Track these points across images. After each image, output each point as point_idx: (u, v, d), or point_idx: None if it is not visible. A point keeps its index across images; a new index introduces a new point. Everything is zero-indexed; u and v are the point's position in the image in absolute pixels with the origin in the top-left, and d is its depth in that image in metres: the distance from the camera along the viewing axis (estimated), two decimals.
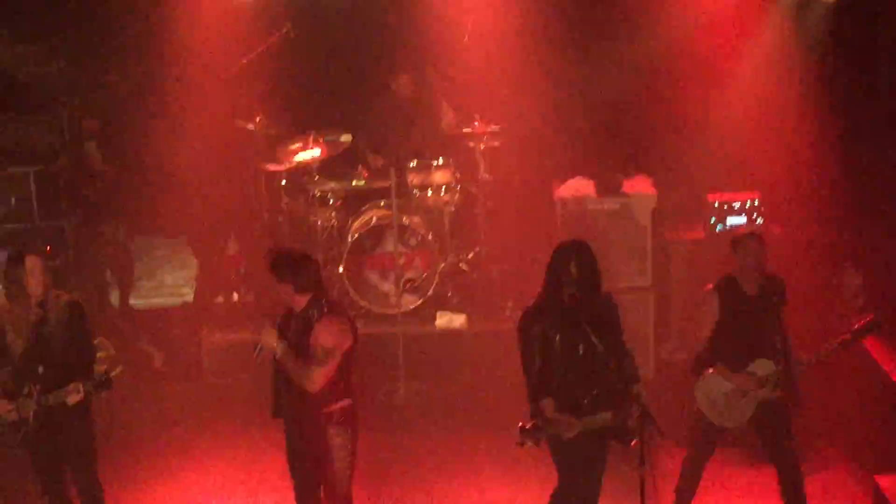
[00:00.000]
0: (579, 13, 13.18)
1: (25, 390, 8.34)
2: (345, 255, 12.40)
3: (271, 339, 7.99)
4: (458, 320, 12.42)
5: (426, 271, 12.48)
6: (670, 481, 8.95)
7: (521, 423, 7.80)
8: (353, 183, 12.84)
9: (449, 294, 12.69)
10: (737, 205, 11.98)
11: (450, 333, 12.34)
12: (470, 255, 13.05)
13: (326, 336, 7.95)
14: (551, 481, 8.27)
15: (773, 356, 8.65)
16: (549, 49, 13.05)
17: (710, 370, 8.68)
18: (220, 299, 13.15)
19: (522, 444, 7.80)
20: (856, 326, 8.74)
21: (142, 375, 11.88)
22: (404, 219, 12.38)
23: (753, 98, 12.66)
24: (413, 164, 12.69)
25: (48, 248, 11.97)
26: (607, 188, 12.09)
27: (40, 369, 8.33)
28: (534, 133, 13.20)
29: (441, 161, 12.67)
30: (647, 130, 13.03)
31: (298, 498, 8.39)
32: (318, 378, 7.93)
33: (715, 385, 8.68)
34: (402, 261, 12.31)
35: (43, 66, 13.15)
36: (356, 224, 12.60)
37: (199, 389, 12.00)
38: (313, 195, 12.73)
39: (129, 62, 13.42)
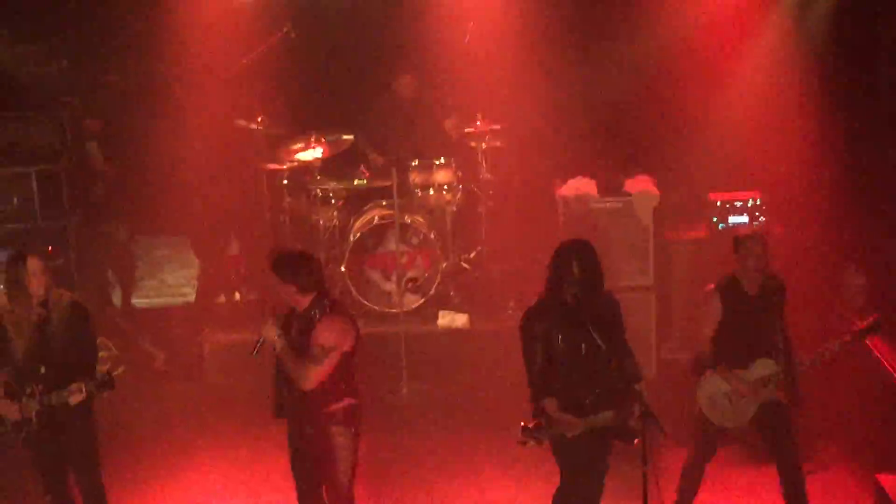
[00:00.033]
0: (580, 13, 13.19)
1: (28, 390, 8.34)
2: (347, 255, 12.40)
3: (272, 333, 7.99)
4: (460, 320, 12.42)
5: (428, 271, 12.48)
6: (672, 480, 8.95)
7: (523, 423, 7.81)
8: (355, 182, 12.84)
9: (451, 293, 12.70)
10: (738, 204, 11.99)
11: (452, 333, 12.35)
12: (472, 255, 13.06)
13: (327, 335, 7.95)
14: (553, 481, 8.27)
15: (775, 356, 8.65)
16: (551, 49, 13.06)
17: (711, 371, 8.67)
18: (221, 299, 13.15)
19: (525, 444, 7.81)
20: (858, 327, 8.74)
21: (143, 375, 11.89)
22: (406, 218, 12.38)
23: (755, 97, 12.67)
24: (415, 163, 12.70)
25: (50, 248, 11.98)
26: (609, 187, 12.09)
27: (42, 369, 8.33)
28: (535, 132, 13.21)
29: (443, 160, 12.68)
30: (648, 129, 13.04)
31: (300, 498, 8.39)
32: (312, 376, 7.93)
33: (716, 385, 8.68)
34: (404, 260, 12.32)
35: (44, 66, 13.15)
36: (358, 223, 12.61)
37: (200, 389, 12.00)
38: (315, 194, 12.74)
39: (130, 62, 13.43)
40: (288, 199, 12.93)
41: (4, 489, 9.86)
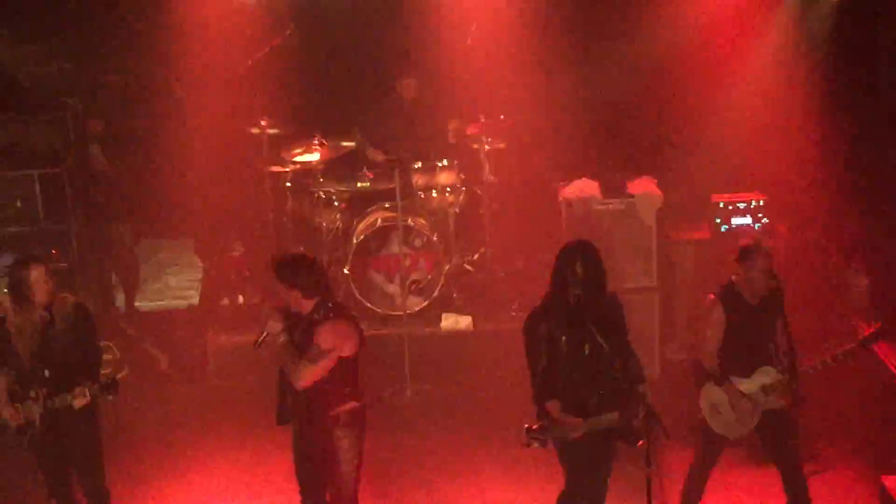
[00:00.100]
0: (582, 15, 13.19)
1: (32, 394, 8.35)
2: (350, 257, 12.40)
3: (276, 327, 8.00)
4: (463, 321, 12.42)
5: (431, 273, 12.48)
6: (676, 480, 8.94)
7: (527, 425, 7.81)
8: (358, 185, 12.85)
9: (454, 295, 12.70)
10: (741, 205, 11.97)
11: (455, 335, 12.35)
12: (475, 257, 13.06)
13: (326, 337, 7.96)
14: (555, 482, 8.27)
15: (776, 362, 8.64)
16: (553, 50, 13.06)
17: (717, 384, 8.64)
18: (225, 301, 13.16)
19: (528, 446, 7.81)
20: (861, 335, 8.72)
21: (147, 378, 11.88)
22: (409, 220, 12.38)
23: (757, 98, 12.67)
24: (418, 165, 12.71)
25: (53, 250, 11.98)
26: (612, 189, 12.08)
27: (46, 373, 8.34)
28: (538, 134, 13.21)
29: (446, 162, 12.69)
30: (651, 131, 13.04)
31: (304, 500, 8.39)
32: (305, 375, 7.93)
33: (719, 395, 8.65)
34: (407, 262, 12.32)
35: (46, 67, 13.15)
36: (361, 226, 12.60)
37: (204, 392, 12.00)
38: (318, 197, 12.75)
39: (133, 63, 13.42)
40: (291, 202, 12.94)
41: (8, 492, 9.86)
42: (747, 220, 11.93)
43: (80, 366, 8.40)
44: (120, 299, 13.35)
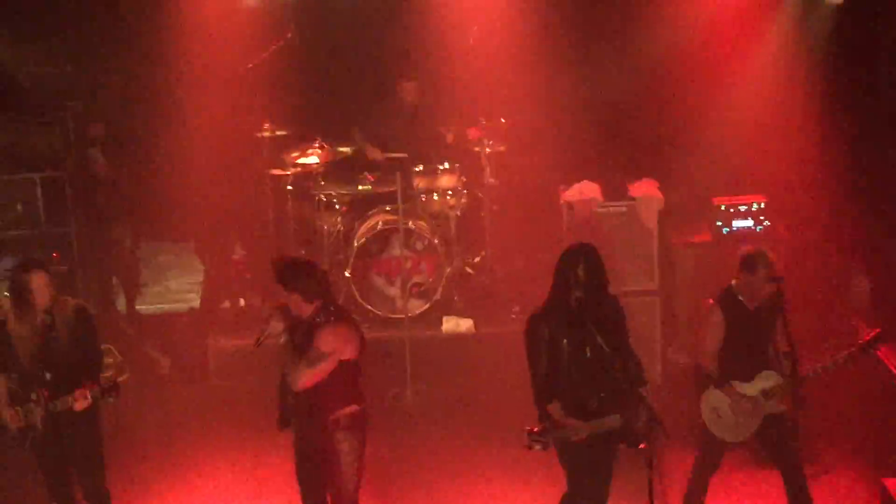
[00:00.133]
0: (583, 18, 13.19)
1: (33, 396, 8.35)
2: (351, 260, 12.40)
3: (278, 326, 8.00)
4: (464, 324, 12.41)
5: (432, 276, 12.48)
6: (678, 483, 8.94)
7: (528, 427, 7.80)
8: (359, 188, 12.84)
9: (455, 298, 12.70)
10: (743, 207, 11.97)
11: (456, 337, 12.34)
12: (476, 259, 13.06)
13: (326, 340, 7.95)
14: (557, 485, 8.26)
15: (776, 366, 8.63)
16: (555, 53, 13.07)
17: (717, 388, 8.63)
18: (226, 304, 13.16)
19: (530, 448, 7.80)
20: (862, 340, 8.71)
21: (148, 381, 11.88)
22: (410, 223, 12.38)
23: (759, 99, 12.67)
24: (419, 168, 12.71)
25: (54, 253, 11.99)
26: (613, 191, 12.08)
27: (48, 375, 8.34)
28: (539, 137, 13.21)
29: (447, 165, 12.69)
30: (652, 134, 13.04)
31: (305, 502, 8.39)
32: (302, 377, 7.93)
33: (721, 399, 8.64)
34: (408, 265, 12.31)
35: (46, 70, 13.15)
36: (362, 229, 12.60)
37: (205, 394, 12.00)
38: (319, 200, 12.75)
39: (134, 66, 13.42)
40: (292, 205, 12.94)
41: (8, 491, 9.86)
42: (748, 222, 11.92)
43: (82, 368, 8.40)
44: (121, 302, 13.34)
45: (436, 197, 12.71)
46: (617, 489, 8.21)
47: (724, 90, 12.78)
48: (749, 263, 8.55)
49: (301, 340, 8.03)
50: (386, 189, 12.54)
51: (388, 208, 12.60)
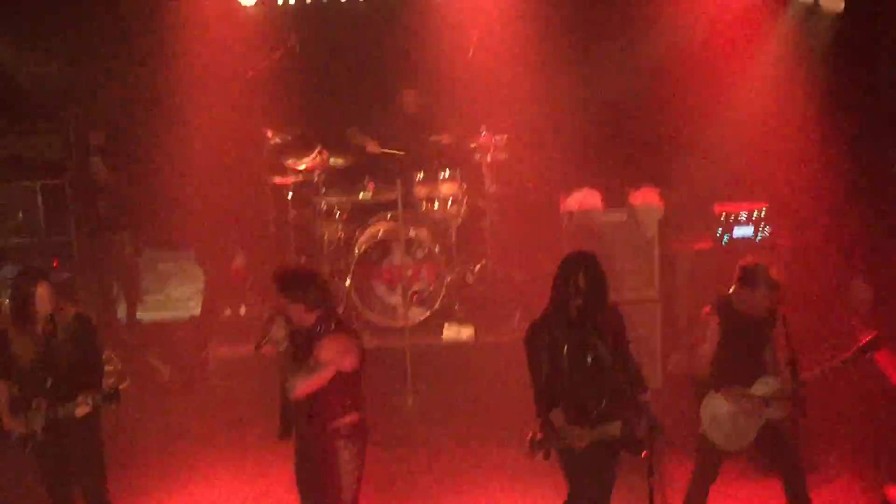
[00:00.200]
0: (584, 25, 13.20)
1: (34, 404, 8.35)
2: (352, 268, 12.41)
3: (279, 333, 8.00)
4: (465, 332, 12.42)
5: (433, 284, 12.48)
6: (679, 491, 8.93)
7: (530, 435, 7.79)
8: (360, 196, 12.86)
9: (456, 306, 12.70)
10: (744, 215, 11.97)
11: (457, 345, 12.34)
12: (477, 268, 13.06)
13: (326, 350, 7.95)
14: (558, 492, 8.25)
15: (774, 373, 8.63)
16: (555, 61, 13.07)
17: (717, 393, 8.63)
18: (227, 312, 13.15)
19: (532, 456, 7.79)
20: (859, 344, 8.72)
21: (149, 389, 11.88)
22: (411, 231, 12.39)
23: (760, 105, 12.68)
24: (420, 176, 12.72)
25: (55, 261, 11.99)
26: (614, 199, 12.08)
27: (48, 382, 8.34)
28: (540, 145, 13.22)
29: (447, 173, 12.70)
30: (653, 141, 13.04)
31: None
32: (299, 385, 7.93)
33: (720, 407, 8.63)
34: (408, 273, 12.31)
35: (47, 77, 13.17)
36: (363, 237, 12.61)
37: (205, 403, 11.99)
38: (320, 208, 12.76)
39: (135, 73, 13.42)
40: (293, 213, 12.95)
41: (10, 499, 9.86)
42: (749, 229, 11.93)
43: (82, 375, 8.41)
44: (121, 310, 13.34)
45: (436, 205, 12.71)
46: (618, 497, 8.20)
47: (725, 95, 12.79)
48: (749, 279, 8.52)
49: (301, 349, 8.02)
50: (387, 197, 12.56)
51: (388, 216, 12.61)
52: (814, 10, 12.59)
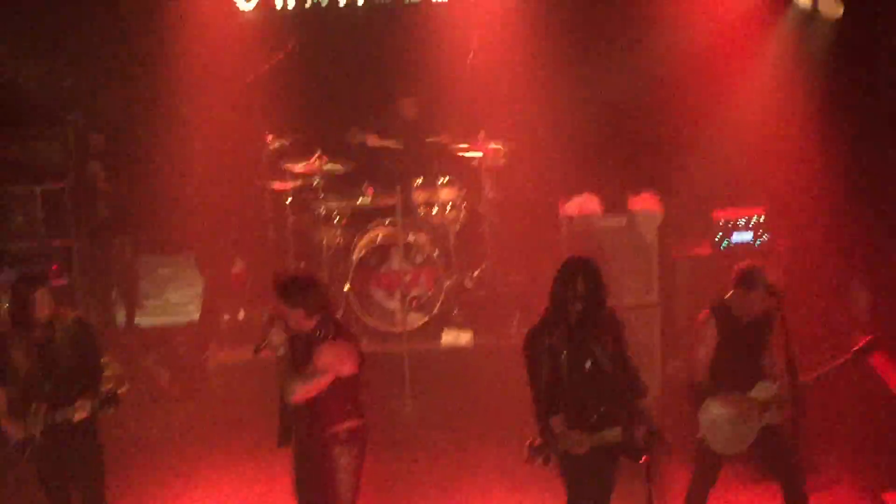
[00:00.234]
0: (583, 31, 13.21)
1: (33, 408, 8.35)
2: (350, 273, 12.40)
3: (279, 338, 8.00)
4: (463, 337, 12.42)
5: (432, 289, 12.48)
6: (678, 497, 8.92)
7: (529, 441, 7.79)
8: (359, 201, 12.85)
9: (454, 311, 12.70)
10: (742, 221, 11.97)
11: (455, 351, 12.34)
12: (475, 273, 13.06)
13: (325, 356, 7.95)
14: (557, 497, 8.25)
15: (772, 377, 8.63)
16: (554, 67, 13.08)
17: (714, 398, 8.63)
18: (226, 317, 13.16)
19: (532, 462, 7.79)
20: (856, 346, 8.72)
21: (148, 393, 11.87)
22: (410, 236, 12.39)
23: (759, 113, 12.69)
24: (418, 181, 12.72)
25: (55, 266, 11.99)
26: (613, 205, 12.08)
27: (47, 387, 8.34)
28: (539, 150, 13.22)
29: (446, 179, 12.70)
30: (653, 147, 13.05)
31: None
32: (297, 390, 7.93)
33: (718, 411, 8.63)
34: (407, 278, 12.32)
35: (48, 82, 13.17)
36: (362, 242, 12.61)
37: (204, 408, 11.98)
38: (319, 213, 12.76)
39: (136, 78, 13.43)
40: (292, 218, 12.95)
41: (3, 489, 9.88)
42: (748, 235, 11.94)
43: (81, 380, 8.41)
44: (120, 315, 13.34)
45: (435, 210, 12.72)
46: (617, 502, 8.20)
47: (724, 101, 12.80)
48: (746, 280, 8.53)
49: (300, 354, 8.03)
50: (385, 202, 12.56)
51: (387, 221, 12.61)
52: (812, 15, 12.60)
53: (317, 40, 13.48)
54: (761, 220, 11.95)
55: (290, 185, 12.85)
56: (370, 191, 12.88)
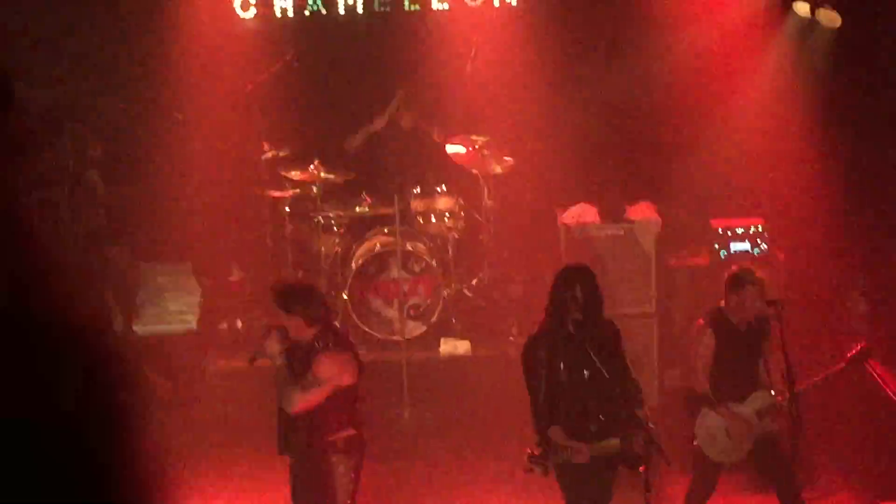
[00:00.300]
0: (582, 41, 13.21)
1: None
2: (349, 282, 12.39)
3: (274, 347, 7.98)
4: (462, 347, 12.40)
5: (430, 298, 12.46)
6: None
7: (529, 450, 7.78)
8: (357, 210, 12.84)
9: (453, 321, 12.68)
10: (741, 231, 11.97)
11: (454, 360, 12.32)
12: (474, 282, 13.04)
13: (325, 366, 7.94)
14: None
15: (768, 386, 8.63)
16: (552, 76, 13.08)
17: (710, 410, 8.62)
18: (223, 326, 13.13)
19: (531, 472, 7.78)
20: (849, 355, 8.73)
21: (145, 402, 11.85)
22: (408, 245, 12.38)
23: (758, 124, 12.69)
24: (417, 190, 12.71)
25: None
26: (611, 215, 12.08)
27: None
28: (537, 159, 13.20)
29: (445, 188, 12.69)
30: (651, 156, 13.04)
31: None
32: (296, 401, 7.93)
33: (715, 420, 8.63)
34: (405, 287, 12.31)
35: (46, 90, 13.15)
36: (360, 250, 12.59)
37: (202, 416, 11.96)
38: (317, 222, 12.74)
39: (134, 85, 13.41)
40: (290, 227, 12.93)
41: None
42: (746, 245, 11.93)
43: None
44: (118, 323, 13.31)
45: (433, 219, 12.71)
46: None
47: (723, 110, 12.79)
48: (736, 282, 8.58)
49: (299, 364, 8.02)
50: (384, 211, 12.55)
51: (385, 230, 12.59)
52: (811, 25, 12.60)
53: (316, 48, 13.47)
54: (760, 230, 11.95)
55: (288, 193, 12.84)
56: (368, 200, 12.85)
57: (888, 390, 9.97)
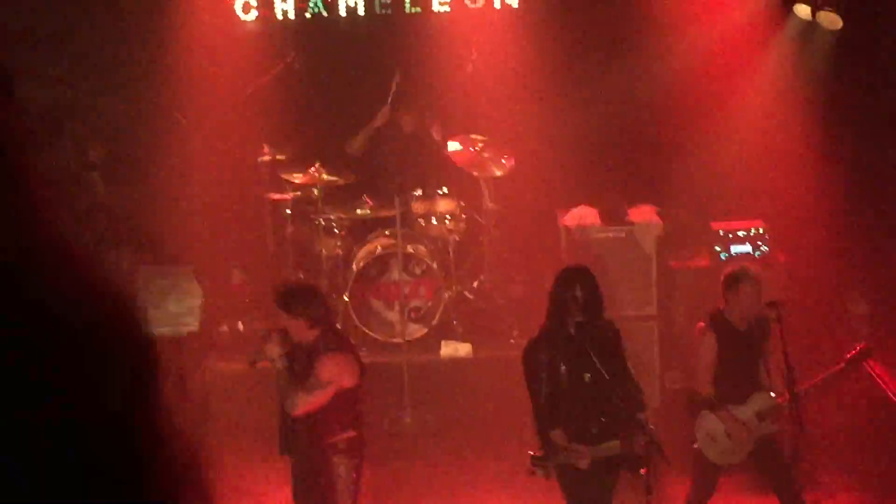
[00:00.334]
0: (583, 43, 13.21)
1: None
2: (349, 284, 12.39)
3: (274, 350, 7.99)
4: (463, 349, 12.39)
5: (431, 300, 12.46)
6: None
7: (531, 452, 7.78)
8: (358, 212, 12.84)
9: (454, 323, 12.67)
10: (741, 233, 11.97)
11: (455, 362, 12.32)
12: (475, 284, 13.04)
13: (327, 368, 7.95)
14: None
15: (769, 388, 8.63)
16: (553, 78, 13.08)
17: (709, 413, 8.62)
18: (224, 328, 13.13)
19: (533, 473, 7.78)
20: (849, 355, 8.74)
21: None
22: (409, 248, 12.38)
23: (759, 125, 12.69)
24: (418, 193, 12.71)
25: None
26: (612, 216, 12.08)
27: None
28: (538, 162, 13.20)
29: (446, 190, 12.69)
30: (651, 158, 13.04)
31: None
32: (299, 403, 7.93)
33: (715, 423, 8.63)
34: (406, 289, 12.30)
35: (46, 92, 13.15)
36: (361, 253, 12.59)
37: (203, 418, 11.94)
38: (318, 224, 12.74)
39: (136, 88, 13.42)
40: (291, 229, 12.93)
41: None
42: (747, 247, 11.93)
43: None
44: None
45: (434, 221, 12.71)
46: None
47: (723, 112, 12.80)
48: (732, 282, 8.60)
49: (301, 366, 8.02)
50: (385, 213, 12.55)
51: (387, 232, 12.59)
52: (812, 27, 12.61)
53: (317, 51, 13.48)
54: (760, 232, 11.95)
55: (289, 195, 12.84)
56: (369, 202, 12.85)
57: (888, 390, 9.98)
